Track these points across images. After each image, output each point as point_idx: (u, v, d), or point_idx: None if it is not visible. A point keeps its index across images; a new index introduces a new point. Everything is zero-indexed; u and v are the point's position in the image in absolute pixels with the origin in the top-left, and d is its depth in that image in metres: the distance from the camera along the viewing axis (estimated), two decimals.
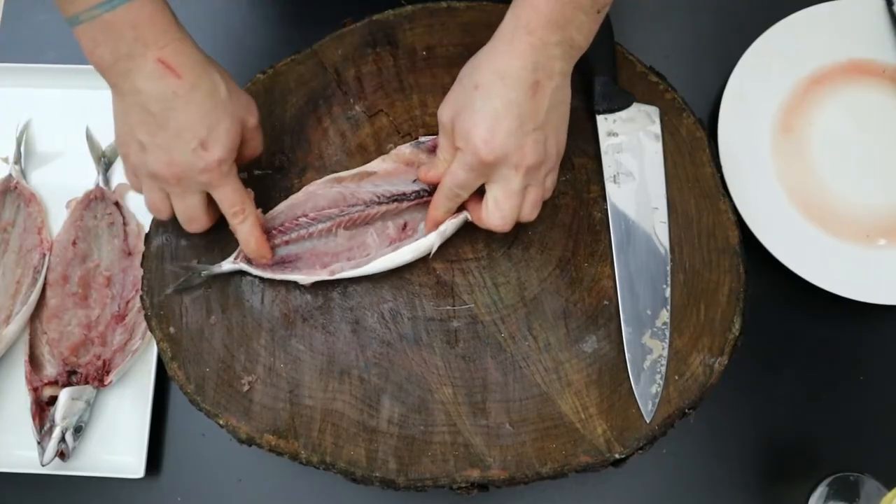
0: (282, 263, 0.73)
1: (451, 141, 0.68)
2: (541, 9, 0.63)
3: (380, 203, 0.74)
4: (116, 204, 0.92)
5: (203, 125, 0.66)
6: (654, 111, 0.79)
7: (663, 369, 0.72)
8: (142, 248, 0.79)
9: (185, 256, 0.76)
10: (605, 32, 0.80)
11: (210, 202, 0.71)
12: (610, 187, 0.77)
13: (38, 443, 0.84)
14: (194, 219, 0.71)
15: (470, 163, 0.66)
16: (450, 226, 0.72)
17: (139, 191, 0.72)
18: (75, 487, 0.86)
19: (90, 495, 0.86)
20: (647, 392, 0.71)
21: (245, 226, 0.71)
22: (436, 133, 0.78)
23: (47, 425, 0.84)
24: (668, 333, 0.73)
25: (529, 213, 0.70)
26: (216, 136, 0.66)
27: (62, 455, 0.84)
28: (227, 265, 0.73)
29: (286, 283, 0.74)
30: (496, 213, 0.68)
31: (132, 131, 0.67)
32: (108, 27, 0.63)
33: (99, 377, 0.86)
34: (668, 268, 0.75)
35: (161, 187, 0.69)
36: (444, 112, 0.68)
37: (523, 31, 0.63)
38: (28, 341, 0.88)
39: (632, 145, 0.78)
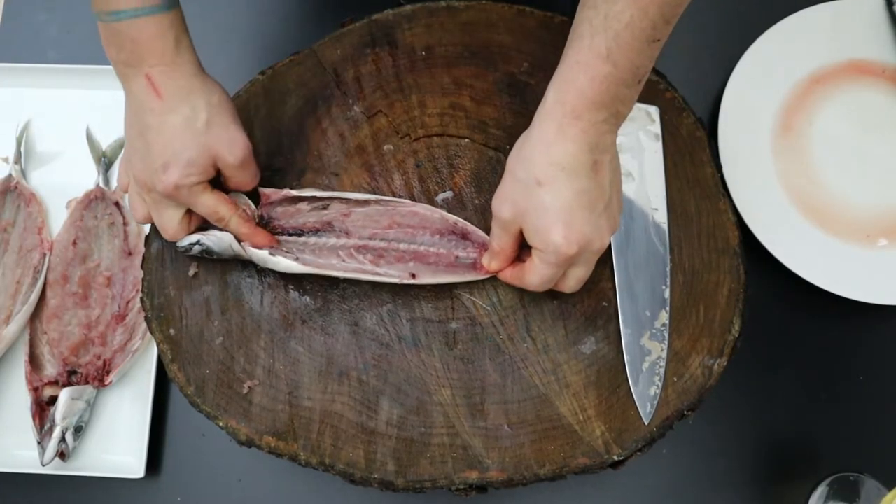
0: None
1: (510, 233, 0.68)
2: (586, 92, 0.62)
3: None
4: (116, 204, 0.92)
5: (169, 149, 0.67)
6: (654, 111, 0.79)
7: (662, 371, 0.72)
8: (142, 247, 0.79)
9: (184, 258, 0.76)
10: None
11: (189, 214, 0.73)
12: None
13: (38, 443, 0.84)
14: (164, 229, 0.73)
15: (555, 261, 0.66)
16: None
17: (125, 189, 0.74)
18: (75, 487, 0.86)
19: (90, 495, 0.86)
20: (646, 394, 0.71)
21: (231, 226, 0.72)
22: (436, 133, 0.79)
23: (47, 425, 0.84)
24: (667, 335, 0.73)
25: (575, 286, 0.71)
26: (177, 162, 0.67)
27: (62, 455, 0.84)
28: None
29: (286, 285, 0.74)
30: (564, 285, 0.70)
31: (127, 127, 0.71)
32: (114, 34, 0.66)
33: (99, 377, 0.86)
34: (668, 268, 0.75)
35: (139, 191, 0.72)
36: (504, 209, 0.66)
37: (571, 116, 0.63)
38: (28, 341, 0.88)
39: (631, 145, 0.78)
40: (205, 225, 0.74)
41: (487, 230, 0.73)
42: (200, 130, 0.68)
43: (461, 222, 0.74)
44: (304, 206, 0.75)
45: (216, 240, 0.73)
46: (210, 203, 0.71)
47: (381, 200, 0.75)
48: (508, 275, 0.71)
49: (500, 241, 0.69)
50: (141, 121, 0.68)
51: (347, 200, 0.74)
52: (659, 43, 0.63)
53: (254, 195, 0.75)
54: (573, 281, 0.69)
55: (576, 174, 0.64)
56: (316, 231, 0.74)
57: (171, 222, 0.72)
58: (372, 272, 0.72)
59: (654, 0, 0.60)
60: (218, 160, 0.70)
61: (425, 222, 0.74)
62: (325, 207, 0.75)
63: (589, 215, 0.65)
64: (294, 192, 0.74)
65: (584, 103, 0.62)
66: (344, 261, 0.73)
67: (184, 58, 0.68)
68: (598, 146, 0.64)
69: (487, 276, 0.73)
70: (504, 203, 0.66)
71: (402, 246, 0.73)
